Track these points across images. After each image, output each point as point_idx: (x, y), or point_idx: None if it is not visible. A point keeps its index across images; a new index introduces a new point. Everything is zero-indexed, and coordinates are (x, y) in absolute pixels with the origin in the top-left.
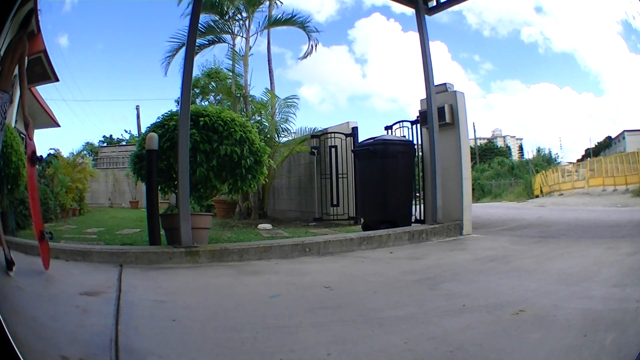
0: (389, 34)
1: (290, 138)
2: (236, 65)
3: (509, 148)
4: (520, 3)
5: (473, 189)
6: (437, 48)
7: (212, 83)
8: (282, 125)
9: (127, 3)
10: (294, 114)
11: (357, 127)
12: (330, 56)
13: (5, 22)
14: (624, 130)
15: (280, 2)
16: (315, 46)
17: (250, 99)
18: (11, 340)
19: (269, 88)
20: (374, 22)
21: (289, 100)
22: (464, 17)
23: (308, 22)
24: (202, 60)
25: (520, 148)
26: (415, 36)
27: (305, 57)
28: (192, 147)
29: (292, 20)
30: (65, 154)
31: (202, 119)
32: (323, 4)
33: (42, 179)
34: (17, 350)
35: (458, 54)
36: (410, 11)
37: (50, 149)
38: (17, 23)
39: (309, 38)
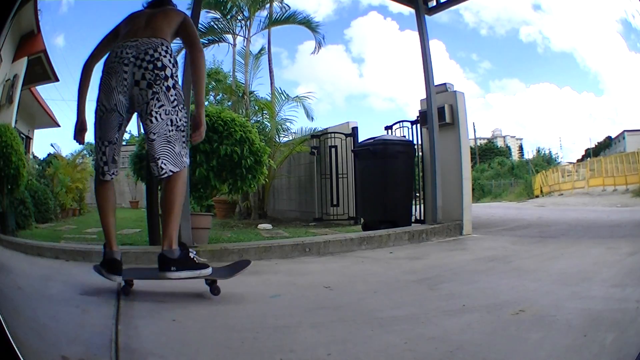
0: (386, 33)
1: (291, 138)
2: (238, 63)
3: (509, 148)
4: (518, 2)
5: (473, 189)
6: (434, 47)
7: (213, 82)
8: (283, 125)
9: (127, 3)
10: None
11: (357, 127)
12: (327, 56)
13: (5, 22)
14: (624, 130)
15: (286, 4)
16: (323, 39)
17: (253, 97)
18: (11, 340)
19: (269, 87)
20: (370, 21)
21: (303, 97)
22: (461, 15)
23: (310, 19)
24: None
25: (520, 148)
26: (412, 35)
27: (315, 52)
28: (192, 147)
29: (293, 18)
30: (65, 153)
31: None
32: (320, 3)
33: (42, 179)
34: (17, 350)
35: (456, 53)
36: (407, 10)
37: (51, 144)
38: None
39: (314, 35)
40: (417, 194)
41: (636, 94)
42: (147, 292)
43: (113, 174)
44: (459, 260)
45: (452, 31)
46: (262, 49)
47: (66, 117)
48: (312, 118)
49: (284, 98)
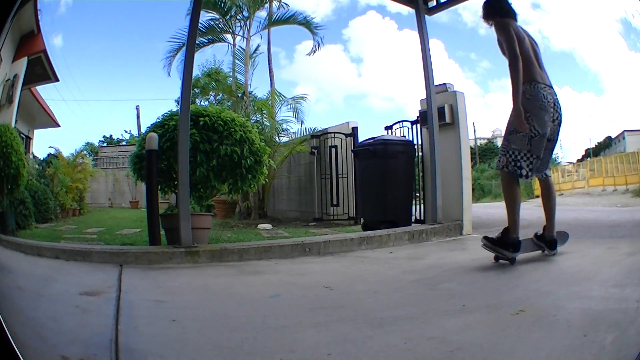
0: (385, 32)
1: (290, 138)
2: (238, 64)
3: None
4: (517, 1)
5: (473, 189)
6: (432, 46)
7: (213, 83)
8: (282, 126)
9: (126, 2)
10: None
11: (357, 127)
12: (325, 55)
13: (5, 22)
14: (624, 130)
15: (286, 3)
16: (322, 40)
17: (252, 98)
18: (11, 340)
19: (269, 87)
20: (369, 20)
21: (299, 99)
22: (460, 15)
23: (310, 20)
24: (202, 60)
25: None
26: (411, 34)
27: (312, 53)
28: (192, 147)
29: (293, 18)
30: (65, 153)
31: (202, 119)
32: (318, 3)
33: (42, 179)
34: (17, 350)
35: (454, 52)
36: (406, 10)
37: (50, 147)
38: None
39: (313, 35)
40: (417, 194)
41: (636, 94)
42: (147, 292)
43: (530, 177)
44: (459, 260)
45: (450, 30)
46: (257, 47)
47: (66, 117)
48: (302, 121)
49: (280, 100)
